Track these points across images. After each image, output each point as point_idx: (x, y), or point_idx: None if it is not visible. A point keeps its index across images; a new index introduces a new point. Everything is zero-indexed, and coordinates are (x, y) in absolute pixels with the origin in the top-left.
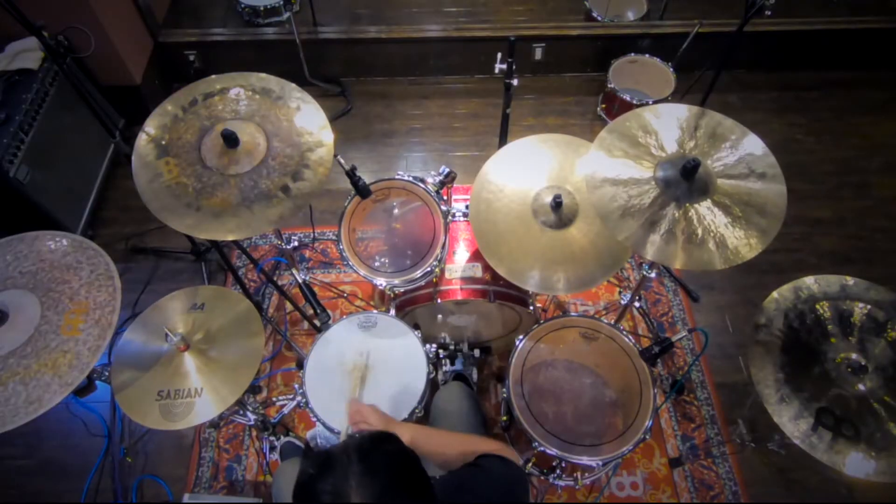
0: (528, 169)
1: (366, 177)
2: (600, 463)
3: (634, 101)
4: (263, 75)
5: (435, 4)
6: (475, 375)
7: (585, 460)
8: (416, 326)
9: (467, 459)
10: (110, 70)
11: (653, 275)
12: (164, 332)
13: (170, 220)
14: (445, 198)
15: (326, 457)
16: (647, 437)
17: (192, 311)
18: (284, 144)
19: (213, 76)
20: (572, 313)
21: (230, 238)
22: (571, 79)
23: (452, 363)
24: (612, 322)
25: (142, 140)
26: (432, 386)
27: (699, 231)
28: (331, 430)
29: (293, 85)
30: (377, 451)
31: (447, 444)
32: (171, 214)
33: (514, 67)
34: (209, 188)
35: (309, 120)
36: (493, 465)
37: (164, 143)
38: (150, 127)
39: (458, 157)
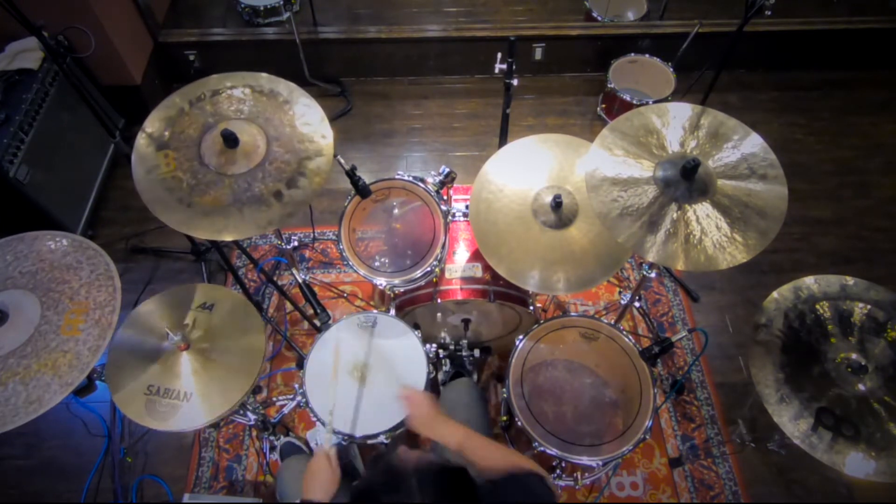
0: (528, 169)
1: (366, 177)
2: (600, 463)
3: (634, 101)
4: (270, 76)
5: (435, 4)
6: (475, 375)
7: (585, 460)
8: (416, 326)
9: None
10: (110, 70)
11: (653, 275)
12: (164, 329)
13: (160, 213)
14: (445, 198)
15: (394, 474)
16: (647, 437)
17: (202, 310)
18: (284, 150)
19: (220, 74)
20: (572, 313)
21: (216, 238)
22: (571, 79)
23: (452, 363)
24: (612, 322)
25: (141, 138)
26: (432, 386)
27: (698, 232)
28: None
29: (301, 90)
30: (447, 485)
31: (491, 458)
32: (162, 208)
33: (514, 67)
34: (203, 185)
35: (312, 129)
36: (532, 483)
37: (165, 136)
38: (154, 121)
39: (458, 157)
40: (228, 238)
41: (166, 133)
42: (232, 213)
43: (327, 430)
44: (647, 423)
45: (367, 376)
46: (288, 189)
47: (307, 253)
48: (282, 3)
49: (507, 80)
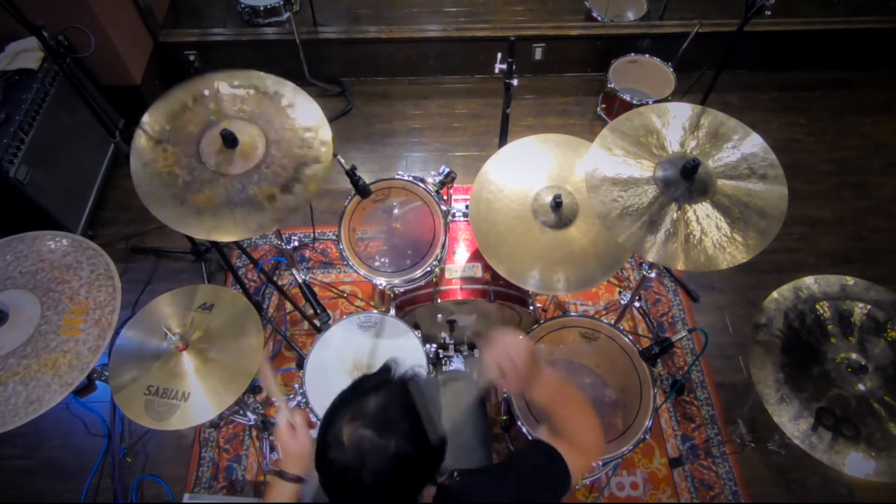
0: (528, 169)
1: (366, 177)
2: (600, 463)
3: (634, 101)
4: (264, 74)
5: (435, 4)
6: (475, 376)
7: None
8: (416, 326)
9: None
10: (110, 70)
11: (653, 275)
12: (162, 330)
13: (153, 207)
14: (445, 198)
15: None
16: (647, 437)
17: (201, 310)
18: (282, 154)
19: (225, 72)
20: (572, 313)
21: (205, 237)
22: (571, 79)
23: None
24: (612, 322)
25: (140, 132)
26: None
27: (698, 232)
28: None
29: (301, 90)
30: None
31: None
32: (155, 201)
33: (514, 67)
34: (198, 183)
35: (312, 135)
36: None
37: (166, 131)
38: (153, 119)
39: (458, 157)
40: (217, 238)
41: (167, 127)
42: (224, 213)
43: (278, 402)
44: (647, 423)
45: None
46: (282, 194)
47: (307, 253)
48: (282, 3)
49: (507, 80)
